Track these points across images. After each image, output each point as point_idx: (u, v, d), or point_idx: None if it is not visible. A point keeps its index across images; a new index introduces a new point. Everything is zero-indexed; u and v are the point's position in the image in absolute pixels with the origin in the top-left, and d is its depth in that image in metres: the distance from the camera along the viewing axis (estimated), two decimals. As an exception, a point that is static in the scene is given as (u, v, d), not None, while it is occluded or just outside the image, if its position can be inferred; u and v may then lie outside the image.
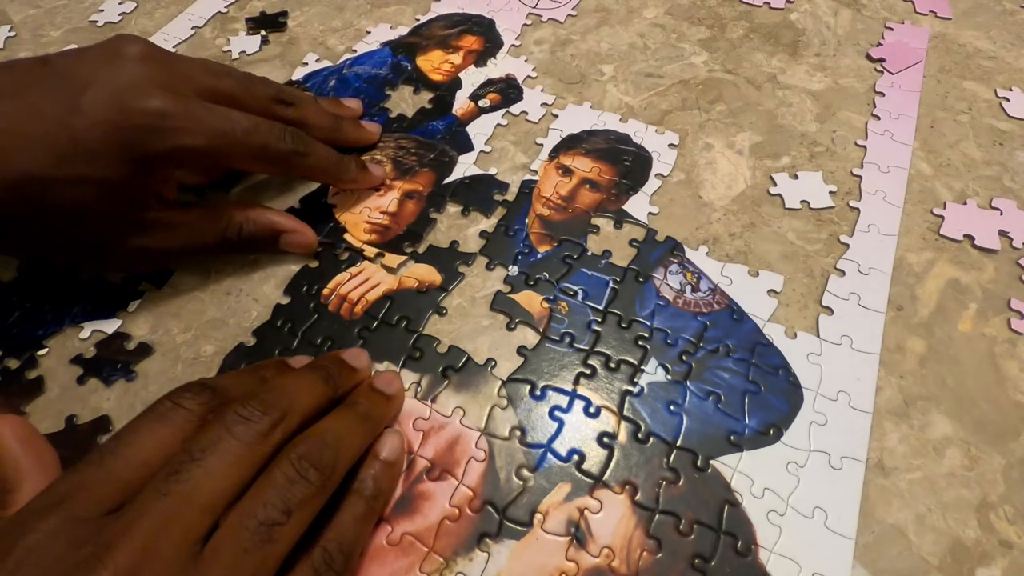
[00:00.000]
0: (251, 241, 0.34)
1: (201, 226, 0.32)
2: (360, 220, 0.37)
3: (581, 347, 0.32)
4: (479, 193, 0.38)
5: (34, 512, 0.20)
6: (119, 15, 0.49)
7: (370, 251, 0.35)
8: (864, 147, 0.40)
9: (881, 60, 0.45)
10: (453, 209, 0.37)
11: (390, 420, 0.29)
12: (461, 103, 0.43)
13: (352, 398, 0.27)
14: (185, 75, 0.30)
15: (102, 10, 0.49)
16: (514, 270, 0.35)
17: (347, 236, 0.36)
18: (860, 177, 0.38)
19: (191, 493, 0.20)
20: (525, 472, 0.28)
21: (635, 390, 0.30)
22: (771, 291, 0.34)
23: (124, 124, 0.28)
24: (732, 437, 0.29)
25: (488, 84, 0.44)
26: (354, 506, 0.24)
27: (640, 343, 0.32)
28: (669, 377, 0.31)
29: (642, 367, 0.31)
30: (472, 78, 0.44)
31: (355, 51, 0.46)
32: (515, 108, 0.42)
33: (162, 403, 0.23)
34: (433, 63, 0.45)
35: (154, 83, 0.28)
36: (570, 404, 0.30)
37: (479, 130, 0.41)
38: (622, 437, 0.29)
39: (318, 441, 0.23)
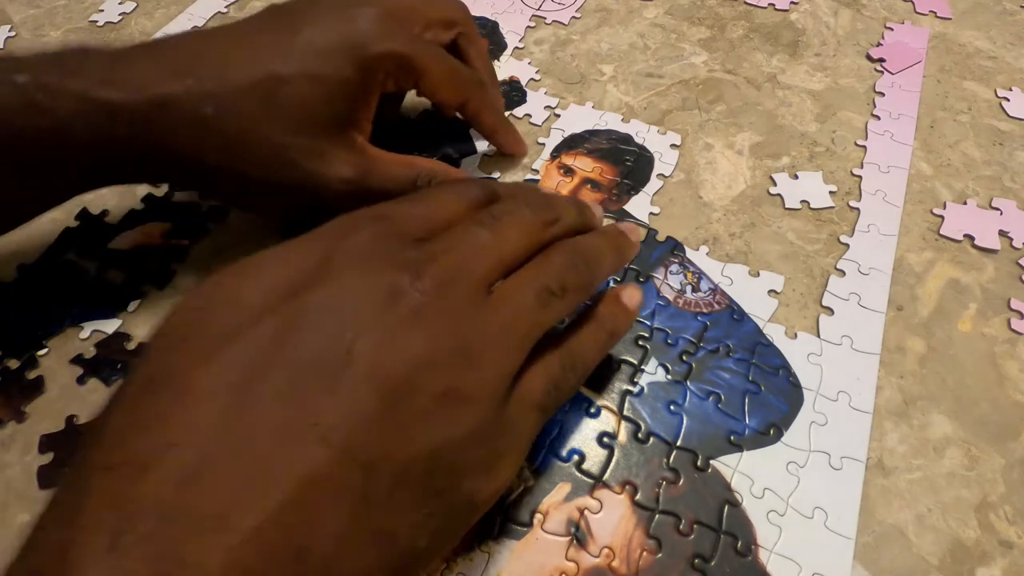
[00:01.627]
0: None
1: (399, 170, 0.32)
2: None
3: (581, 347, 0.32)
4: None
5: (362, 217, 0.22)
6: (119, 15, 0.49)
7: None
8: (864, 147, 0.40)
9: (881, 60, 0.45)
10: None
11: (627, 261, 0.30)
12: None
13: (601, 236, 0.28)
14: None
15: (102, 10, 0.49)
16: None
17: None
18: (860, 177, 0.38)
19: (492, 242, 0.22)
20: (525, 472, 0.28)
21: (635, 390, 0.30)
22: (771, 291, 0.34)
23: (350, 28, 0.30)
24: (732, 437, 0.29)
25: (491, 86, 0.43)
26: (595, 332, 0.26)
27: (640, 343, 0.32)
28: (669, 377, 0.31)
29: (642, 367, 0.31)
30: (474, 79, 0.44)
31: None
32: (518, 111, 0.42)
33: (455, 182, 0.27)
34: (434, 63, 0.45)
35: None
36: (570, 404, 0.30)
37: (481, 131, 0.41)
38: (622, 437, 0.29)
39: (584, 248, 0.25)
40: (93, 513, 0.15)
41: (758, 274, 0.34)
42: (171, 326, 0.19)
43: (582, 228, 0.27)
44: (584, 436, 0.29)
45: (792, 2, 0.49)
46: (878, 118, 0.41)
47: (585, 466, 0.28)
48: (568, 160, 0.39)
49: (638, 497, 0.28)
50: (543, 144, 0.40)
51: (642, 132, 0.41)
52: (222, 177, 0.30)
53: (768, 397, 0.30)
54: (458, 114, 0.36)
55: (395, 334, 0.19)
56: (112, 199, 0.38)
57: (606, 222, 0.32)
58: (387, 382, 0.18)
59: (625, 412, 0.30)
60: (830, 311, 0.33)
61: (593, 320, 0.27)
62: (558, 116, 0.42)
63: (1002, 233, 0.36)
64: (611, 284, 0.34)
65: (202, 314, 0.19)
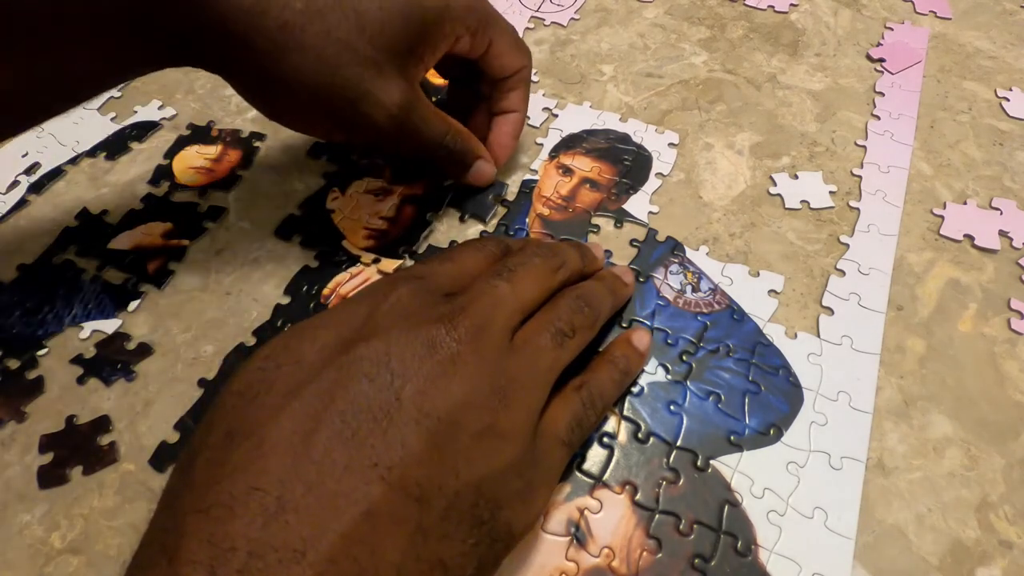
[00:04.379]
0: (453, 156, 0.35)
1: (435, 120, 0.33)
2: (358, 226, 0.37)
3: (581, 347, 0.32)
4: (477, 198, 0.38)
5: (398, 279, 0.25)
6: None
7: (367, 257, 0.35)
8: (864, 147, 0.40)
9: (881, 60, 0.45)
10: (452, 213, 0.37)
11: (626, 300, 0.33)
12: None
13: (599, 281, 0.31)
14: None
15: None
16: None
17: (345, 243, 0.36)
18: (860, 177, 0.38)
19: (511, 292, 0.25)
20: (525, 472, 0.28)
21: (635, 390, 0.30)
22: (771, 291, 0.34)
23: None
24: (732, 437, 0.29)
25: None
26: (610, 372, 0.29)
27: (640, 343, 0.32)
28: (669, 377, 0.31)
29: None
30: (473, 80, 0.44)
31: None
32: (517, 111, 0.42)
33: (473, 241, 0.30)
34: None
35: None
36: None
37: (479, 132, 0.41)
38: (622, 437, 0.29)
39: (586, 293, 0.28)
40: (191, 551, 0.17)
41: (758, 274, 0.34)
42: (244, 384, 0.21)
43: (585, 269, 0.31)
44: (584, 436, 0.29)
45: (792, 4, 0.49)
46: (878, 118, 0.41)
47: (585, 466, 0.28)
48: (567, 160, 0.39)
49: (638, 497, 0.28)
50: (541, 144, 0.40)
51: (640, 131, 0.41)
52: (267, 62, 0.28)
53: (768, 397, 0.30)
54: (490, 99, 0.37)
55: (436, 380, 0.21)
56: (112, 199, 0.38)
57: (605, 222, 0.32)
58: (433, 423, 0.20)
59: (625, 412, 0.30)
60: (830, 311, 0.33)
61: (608, 361, 0.29)
62: (556, 116, 0.42)
63: (1002, 233, 0.36)
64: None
65: (268, 374, 0.21)
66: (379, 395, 0.20)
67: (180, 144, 0.41)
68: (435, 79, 0.44)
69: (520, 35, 0.47)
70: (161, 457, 0.29)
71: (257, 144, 0.41)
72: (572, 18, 0.48)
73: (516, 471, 0.22)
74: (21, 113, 0.29)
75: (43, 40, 0.26)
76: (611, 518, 0.27)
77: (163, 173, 0.40)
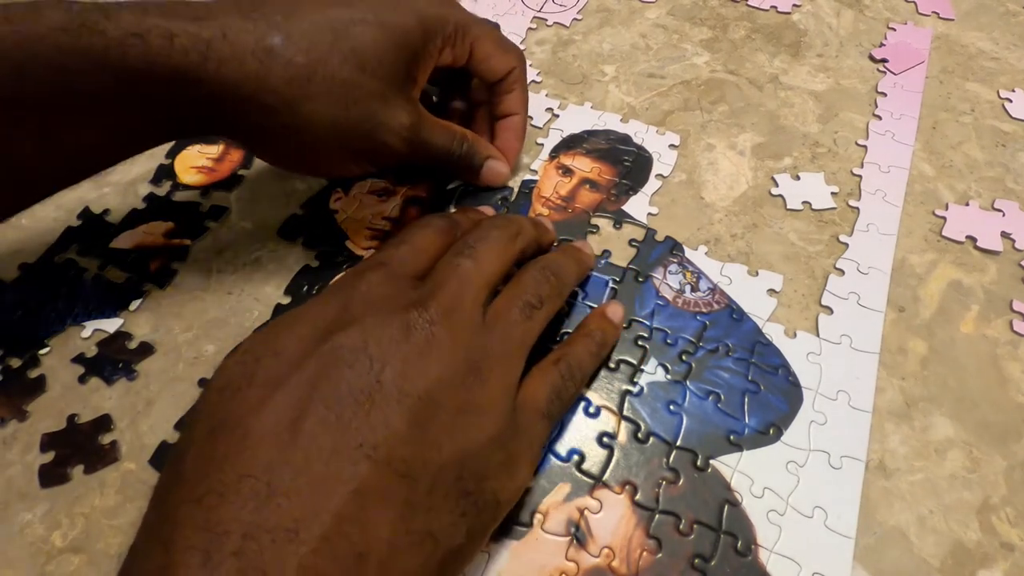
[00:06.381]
0: (462, 161, 0.35)
1: (441, 131, 0.34)
2: (362, 226, 0.37)
3: (581, 347, 0.32)
4: (481, 199, 0.38)
5: (364, 269, 0.26)
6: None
7: None
8: (865, 147, 0.40)
9: (883, 60, 0.45)
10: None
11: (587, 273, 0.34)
12: (464, 107, 0.42)
13: (561, 252, 0.32)
14: None
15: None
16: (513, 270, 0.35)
17: (348, 243, 0.36)
18: (860, 177, 0.38)
19: (475, 268, 0.26)
20: (524, 472, 0.28)
21: (635, 390, 0.30)
22: (770, 291, 0.34)
23: None
24: (732, 437, 0.29)
25: (490, 87, 0.43)
26: (586, 344, 0.30)
27: (640, 343, 0.32)
28: (669, 377, 0.31)
29: (642, 367, 0.31)
30: (474, 81, 0.44)
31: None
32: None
33: (420, 220, 0.30)
34: (435, 65, 0.45)
35: None
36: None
37: (481, 133, 0.41)
38: (622, 437, 0.29)
39: (550, 263, 0.29)
40: (186, 538, 0.18)
41: (757, 273, 0.34)
42: (224, 379, 0.22)
43: (540, 239, 0.31)
44: (584, 436, 0.29)
45: (794, 4, 0.49)
46: (880, 118, 0.41)
47: (585, 466, 0.28)
48: (567, 160, 0.39)
49: (638, 497, 0.28)
50: (542, 144, 0.40)
51: (640, 132, 0.41)
52: (282, 117, 0.28)
53: (767, 396, 0.30)
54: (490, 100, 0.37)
55: (414, 361, 0.22)
56: (114, 199, 0.39)
57: (604, 223, 0.32)
58: (413, 401, 0.21)
59: (625, 412, 0.30)
60: (829, 310, 0.33)
61: (585, 335, 0.30)
62: (557, 116, 0.42)
63: (1004, 235, 0.36)
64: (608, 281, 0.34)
65: (249, 367, 0.22)
66: (360, 380, 0.21)
67: (182, 143, 0.41)
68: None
69: (522, 36, 0.47)
70: (162, 456, 0.29)
71: (259, 144, 0.41)
72: (574, 18, 0.48)
73: (497, 443, 0.23)
74: (37, 185, 0.30)
75: (54, 118, 0.27)
76: (611, 518, 0.27)
77: (165, 172, 0.40)
